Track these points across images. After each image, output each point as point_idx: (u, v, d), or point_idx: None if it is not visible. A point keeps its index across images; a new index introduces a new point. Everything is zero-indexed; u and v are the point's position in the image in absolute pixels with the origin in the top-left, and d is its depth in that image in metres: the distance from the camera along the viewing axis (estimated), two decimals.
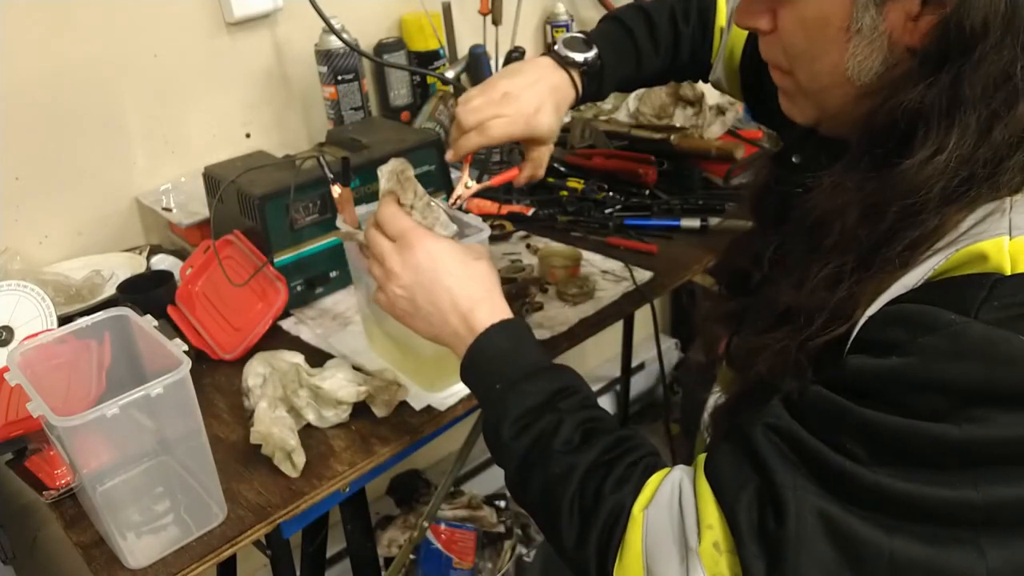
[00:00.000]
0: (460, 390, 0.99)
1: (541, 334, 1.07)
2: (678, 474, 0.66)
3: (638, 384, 2.40)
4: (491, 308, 0.80)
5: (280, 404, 0.93)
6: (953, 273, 0.58)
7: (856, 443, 0.57)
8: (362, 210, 1.02)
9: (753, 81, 1.05)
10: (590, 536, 0.65)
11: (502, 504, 1.88)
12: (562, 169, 1.49)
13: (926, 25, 0.62)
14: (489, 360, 0.77)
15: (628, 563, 0.63)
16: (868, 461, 0.56)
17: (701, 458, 0.66)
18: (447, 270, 0.80)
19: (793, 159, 0.83)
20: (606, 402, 2.33)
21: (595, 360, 2.39)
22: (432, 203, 0.87)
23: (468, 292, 0.80)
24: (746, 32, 1.07)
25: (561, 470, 0.68)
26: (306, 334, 1.14)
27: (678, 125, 1.49)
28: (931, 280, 0.59)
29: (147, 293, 1.15)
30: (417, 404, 0.97)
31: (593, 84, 1.05)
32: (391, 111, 1.60)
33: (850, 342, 0.62)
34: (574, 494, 0.67)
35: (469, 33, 1.58)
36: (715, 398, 0.91)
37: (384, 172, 0.85)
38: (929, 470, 0.55)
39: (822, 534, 0.56)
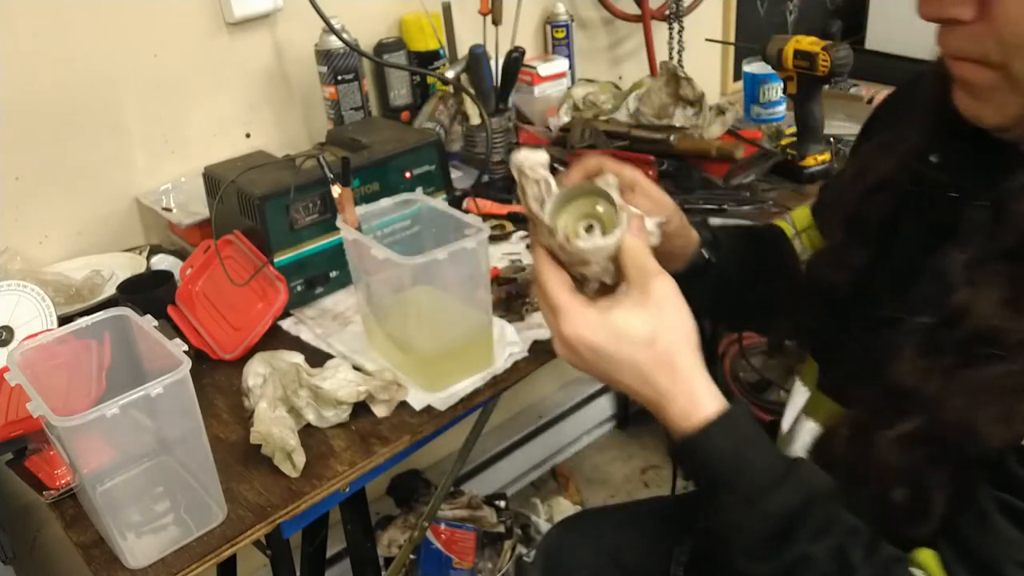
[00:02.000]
0: (460, 390, 0.98)
1: (542, 334, 1.07)
2: None
3: None
4: (687, 400, 0.65)
5: (280, 404, 0.93)
6: None
7: None
8: (362, 210, 1.02)
9: None
10: None
11: (502, 504, 1.87)
12: (562, 169, 1.49)
13: None
14: (707, 461, 0.65)
15: None
16: None
17: (928, 557, 0.62)
18: (629, 357, 0.65)
19: (931, 158, 0.74)
20: (606, 402, 2.32)
21: None
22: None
23: (653, 384, 0.66)
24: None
25: None
26: (306, 334, 1.14)
27: (678, 125, 1.49)
28: None
29: (147, 293, 1.15)
30: (417, 404, 0.97)
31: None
32: (391, 111, 1.59)
33: None
34: None
35: (469, 33, 1.58)
36: (811, 426, 0.86)
37: (526, 176, 0.66)
38: None
39: None
